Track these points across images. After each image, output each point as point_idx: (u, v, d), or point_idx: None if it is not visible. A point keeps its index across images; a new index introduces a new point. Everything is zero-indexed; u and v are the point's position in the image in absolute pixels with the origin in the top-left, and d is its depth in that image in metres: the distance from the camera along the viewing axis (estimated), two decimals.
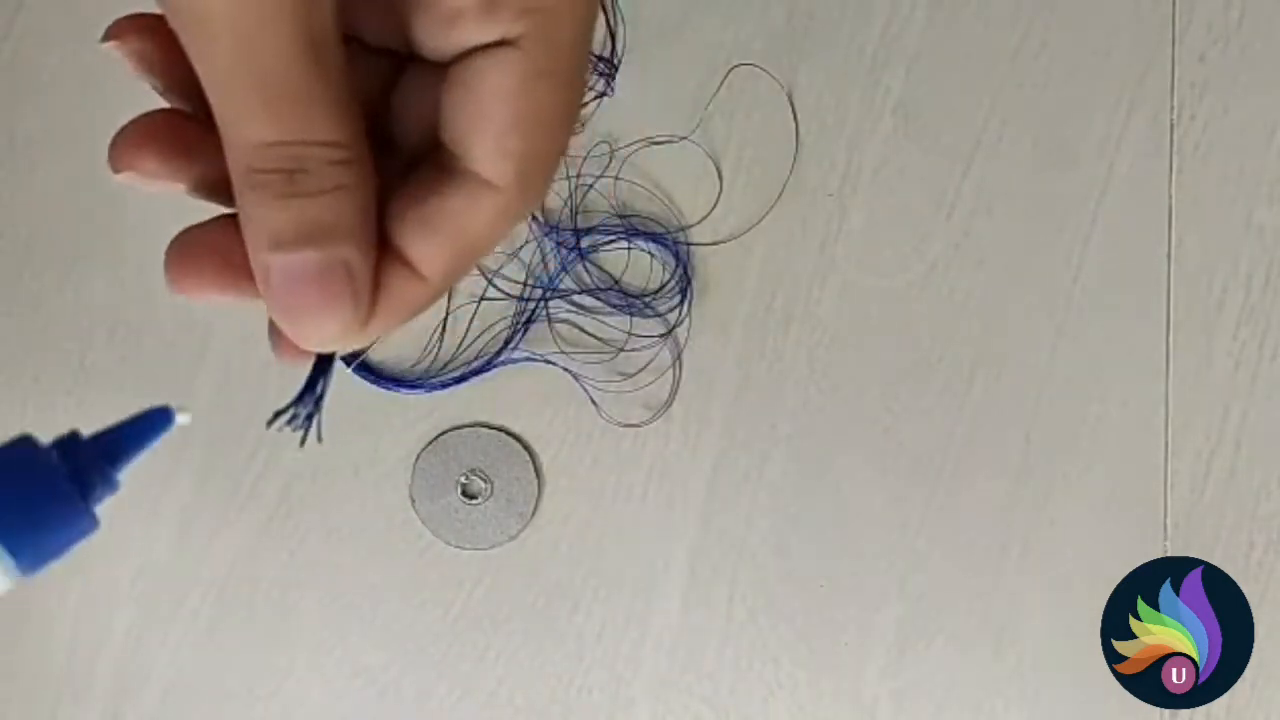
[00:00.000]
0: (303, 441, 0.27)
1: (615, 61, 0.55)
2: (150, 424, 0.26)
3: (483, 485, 0.54)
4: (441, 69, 0.24)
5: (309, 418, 0.27)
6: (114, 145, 0.25)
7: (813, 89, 0.56)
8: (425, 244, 0.24)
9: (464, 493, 0.54)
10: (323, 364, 0.26)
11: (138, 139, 0.25)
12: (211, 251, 0.25)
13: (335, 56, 0.22)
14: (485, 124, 0.23)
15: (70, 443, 0.24)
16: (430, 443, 0.54)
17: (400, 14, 0.24)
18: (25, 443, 0.24)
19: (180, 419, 0.26)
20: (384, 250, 0.24)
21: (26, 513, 0.23)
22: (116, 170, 0.25)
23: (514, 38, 0.23)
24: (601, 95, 0.56)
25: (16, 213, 0.56)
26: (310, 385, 0.26)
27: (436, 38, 0.24)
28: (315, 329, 0.24)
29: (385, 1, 0.24)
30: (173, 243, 0.25)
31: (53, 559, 0.24)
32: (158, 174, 0.25)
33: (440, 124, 0.24)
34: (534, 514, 0.54)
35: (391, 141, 0.26)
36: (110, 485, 0.25)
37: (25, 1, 0.57)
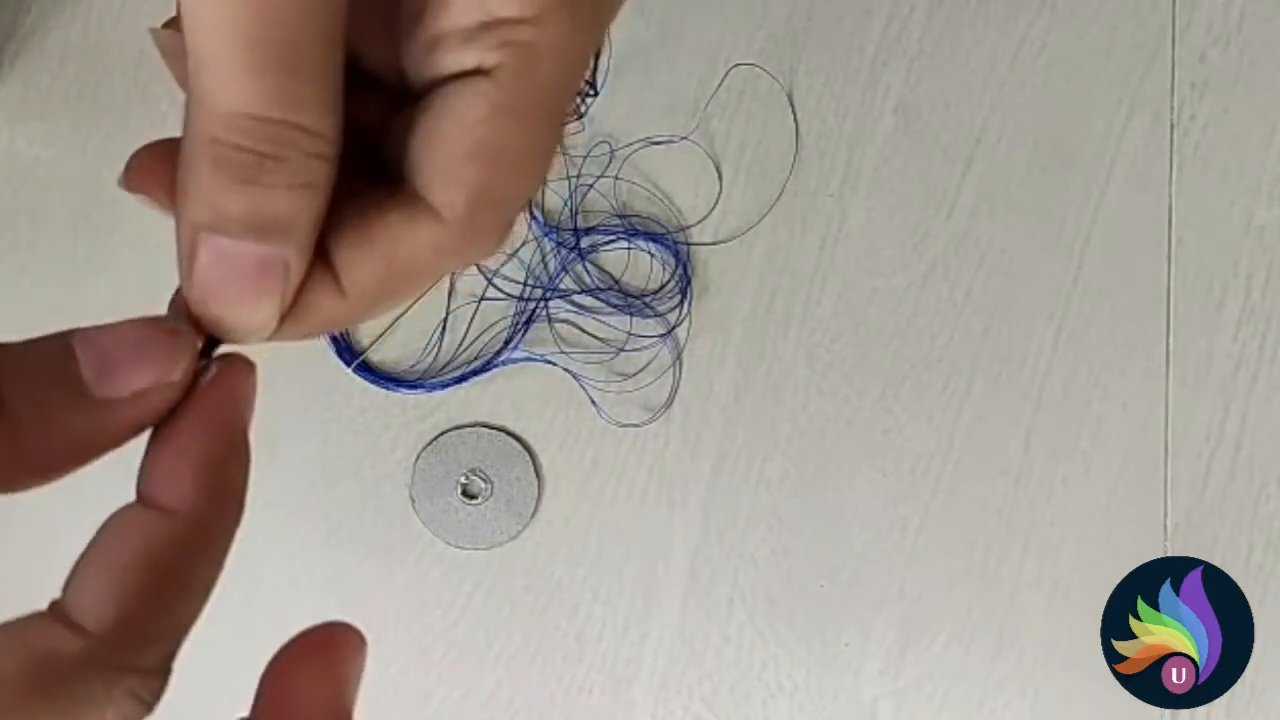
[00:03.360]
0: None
1: (596, 89, 0.55)
2: None
3: (483, 485, 0.54)
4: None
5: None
6: (128, 165, 0.23)
7: (813, 89, 0.56)
8: (355, 258, 0.22)
9: (464, 493, 0.54)
10: (208, 348, 0.24)
11: (151, 163, 0.23)
12: (173, 165, 0.22)
13: (341, 42, 0.21)
14: (442, 149, 0.22)
15: None
16: (430, 443, 0.54)
17: (394, 39, 0.23)
18: None
19: None
20: (315, 253, 0.22)
21: None
22: (127, 189, 0.23)
23: (489, 67, 0.22)
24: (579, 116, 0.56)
25: (18, 214, 0.56)
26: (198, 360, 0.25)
27: (418, 63, 0.23)
28: (233, 321, 0.22)
29: (384, 26, 0.23)
30: (144, 146, 0.23)
31: None
32: (169, 207, 0.23)
33: (405, 149, 0.23)
34: (534, 514, 0.54)
35: (377, 170, 0.24)
36: None
37: (28, 3, 0.57)
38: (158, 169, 0.23)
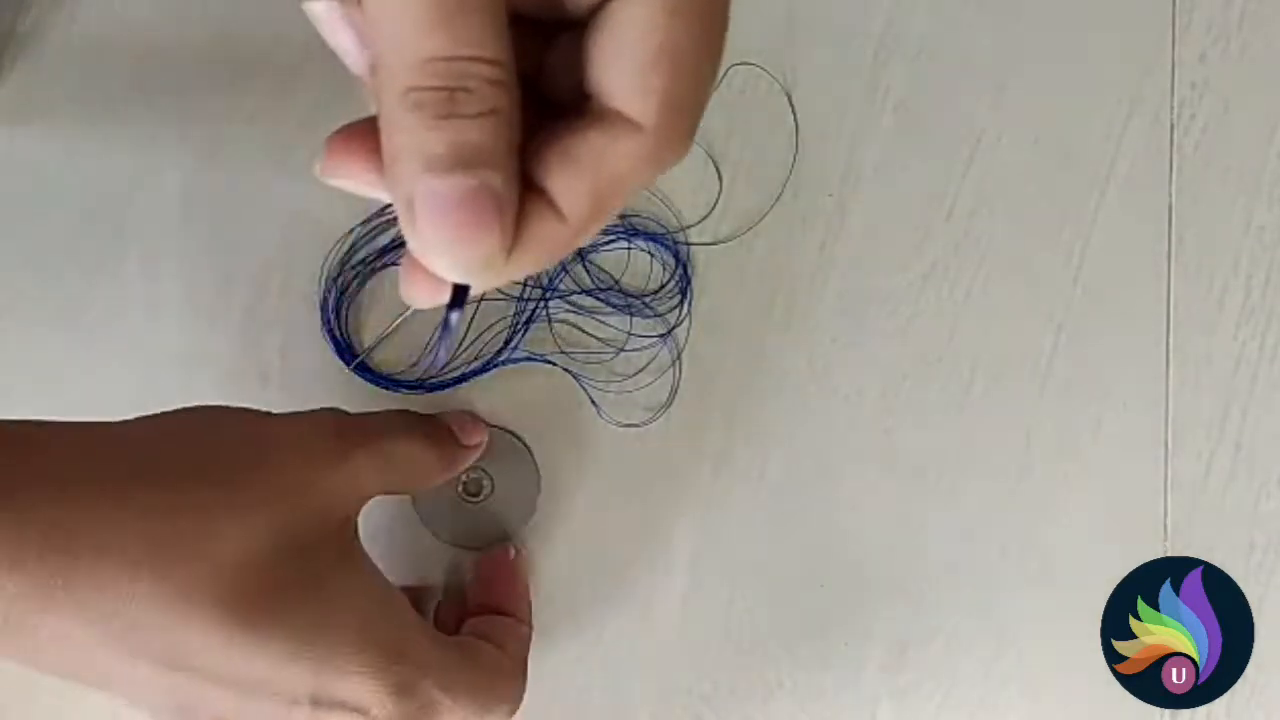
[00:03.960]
0: (442, 370, 0.30)
1: None
2: None
3: (484, 484, 0.54)
4: (585, 30, 0.25)
5: (444, 350, 0.29)
6: (325, 152, 0.26)
7: (813, 89, 0.56)
8: (566, 181, 0.24)
9: (465, 491, 0.54)
10: (458, 300, 0.26)
11: (345, 143, 0.25)
12: (367, 140, 0.25)
13: None
14: (627, 62, 0.24)
15: None
16: None
17: None
18: None
19: None
20: (526, 188, 0.24)
21: None
22: (326, 174, 0.26)
23: None
24: None
25: (18, 214, 0.56)
26: (446, 322, 0.27)
27: None
28: (460, 255, 0.24)
29: None
30: (331, 135, 0.26)
31: None
32: (368, 180, 0.25)
33: (585, 72, 0.25)
34: (534, 514, 0.54)
35: (540, 107, 0.26)
36: None
37: (28, 3, 0.57)
38: (352, 147, 0.25)
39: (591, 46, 0.24)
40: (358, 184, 0.26)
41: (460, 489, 0.54)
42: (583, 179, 0.24)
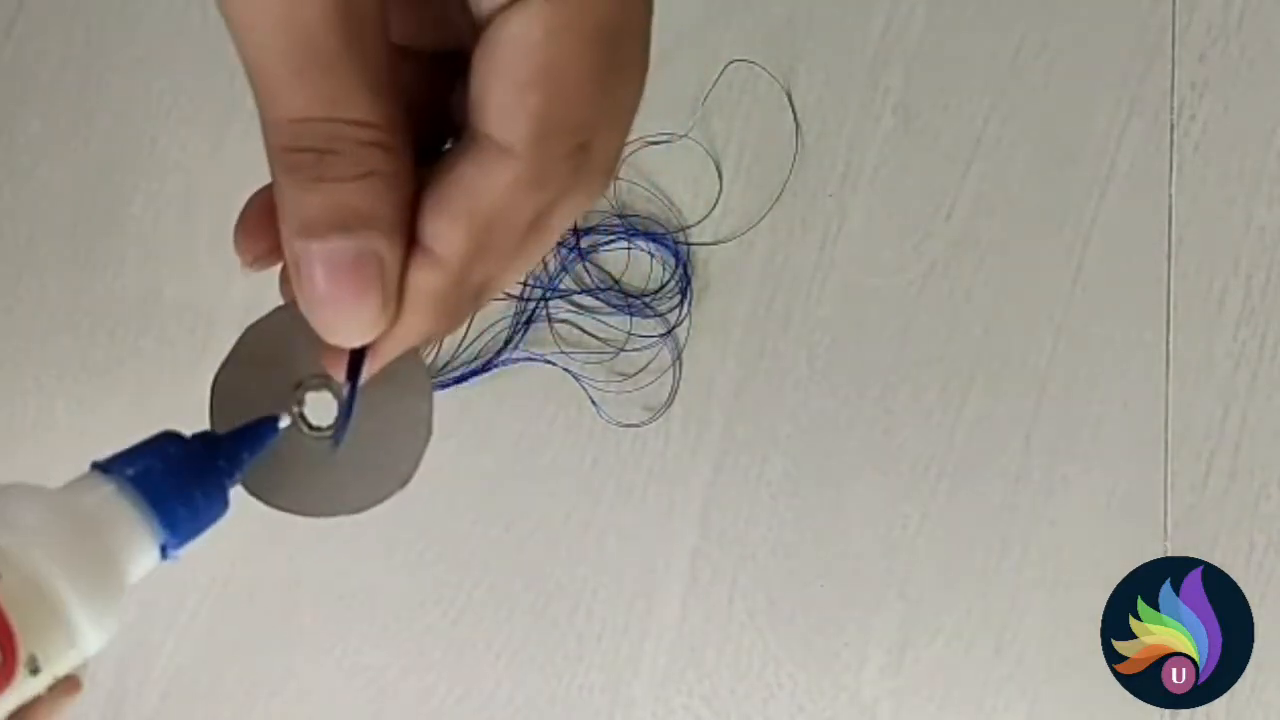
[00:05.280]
0: (336, 444, 0.27)
1: None
2: (264, 430, 0.27)
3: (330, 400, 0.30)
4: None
5: (341, 426, 0.26)
6: (238, 233, 0.24)
7: (813, 89, 0.56)
8: (437, 221, 0.22)
9: (302, 417, 0.30)
10: (354, 370, 0.24)
11: (255, 221, 0.24)
12: (269, 214, 0.23)
13: (375, 37, 0.21)
14: (501, 79, 0.21)
15: (210, 438, 0.27)
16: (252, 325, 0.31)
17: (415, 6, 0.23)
18: (173, 436, 0.26)
19: (283, 423, 0.28)
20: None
21: (183, 499, 0.25)
22: (247, 266, 0.25)
23: None
24: None
25: (17, 213, 0.56)
26: (346, 394, 0.25)
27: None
28: (342, 321, 0.22)
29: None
30: (243, 209, 0.24)
31: (193, 540, 0.26)
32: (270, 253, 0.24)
33: (464, 100, 0.22)
34: (417, 461, 0.30)
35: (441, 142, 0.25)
36: (240, 474, 0.27)
37: (25, 3, 0.57)
38: (260, 221, 0.24)
39: (474, 63, 0.22)
40: (263, 259, 0.24)
41: (295, 411, 0.30)
42: (455, 218, 0.22)
